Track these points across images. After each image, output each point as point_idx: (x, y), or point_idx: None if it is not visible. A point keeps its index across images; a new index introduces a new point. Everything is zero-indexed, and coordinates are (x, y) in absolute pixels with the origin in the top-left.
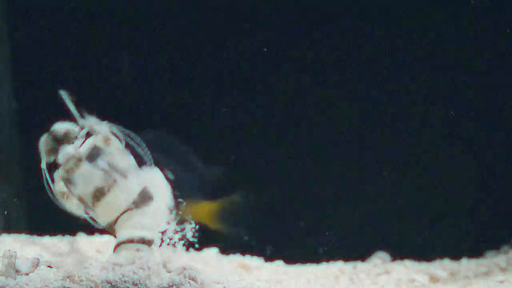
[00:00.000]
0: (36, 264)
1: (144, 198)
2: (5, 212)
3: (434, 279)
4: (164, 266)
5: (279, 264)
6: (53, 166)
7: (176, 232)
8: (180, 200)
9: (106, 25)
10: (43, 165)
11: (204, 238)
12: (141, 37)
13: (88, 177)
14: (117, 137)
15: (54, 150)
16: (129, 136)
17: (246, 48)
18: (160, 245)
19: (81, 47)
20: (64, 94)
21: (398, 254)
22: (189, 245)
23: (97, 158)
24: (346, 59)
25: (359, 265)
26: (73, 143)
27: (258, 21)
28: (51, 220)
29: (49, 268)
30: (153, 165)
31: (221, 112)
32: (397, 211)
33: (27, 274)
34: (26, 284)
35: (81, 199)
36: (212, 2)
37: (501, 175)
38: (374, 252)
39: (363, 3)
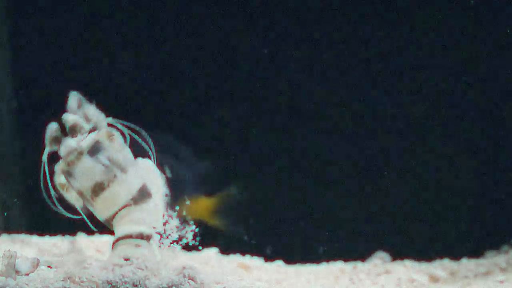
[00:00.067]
0: (36, 264)
1: (143, 194)
2: (5, 214)
3: (434, 279)
4: (164, 265)
5: (279, 264)
6: (55, 157)
7: (175, 231)
8: (179, 198)
9: (106, 25)
10: (45, 154)
11: (204, 238)
12: (141, 37)
13: (89, 171)
14: (121, 132)
15: (58, 140)
16: (134, 131)
17: (241, 47)
18: (160, 246)
19: (81, 47)
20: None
21: (398, 254)
22: (188, 245)
23: (98, 153)
24: (346, 59)
25: (359, 265)
26: (76, 136)
27: (257, 21)
28: (51, 220)
29: (49, 268)
30: (154, 160)
31: (221, 111)
32: (397, 211)
33: (27, 274)
34: (26, 284)
35: (80, 193)
36: (212, 2)
37: (501, 175)
38: (374, 252)
39: (363, 3)
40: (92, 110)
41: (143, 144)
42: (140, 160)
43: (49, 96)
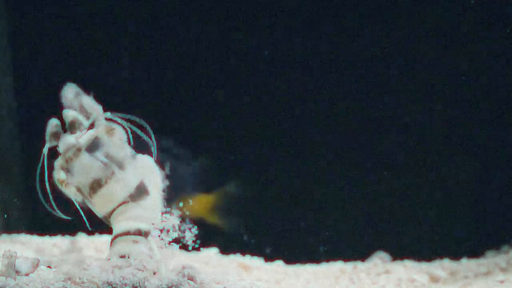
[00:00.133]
0: (36, 264)
1: (140, 191)
2: (5, 216)
3: (434, 279)
4: (163, 264)
5: (279, 264)
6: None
7: (175, 230)
8: (177, 196)
9: (106, 24)
10: (45, 149)
11: (204, 238)
12: (141, 37)
13: (86, 168)
14: (122, 126)
15: (57, 135)
16: (136, 124)
17: (237, 46)
18: (160, 246)
19: (81, 46)
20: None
21: (398, 254)
22: (188, 245)
23: (97, 150)
24: (346, 59)
25: (359, 265)
26: (75, 132)
27: (256, 22)
28: (51, 220)
29: (48, 268)
30: (155, 151)
31: (221, 109)
32: (397, 211)
33: (27, 274)
34: (26, 285)
35: (78, 189)
36: (212, 2)
37: (501, 175)
38: (374, 252)
39: (363, 3)
40: (88, 101)
41: (145, 136)
42: (139, 156)
43: (49, 96)
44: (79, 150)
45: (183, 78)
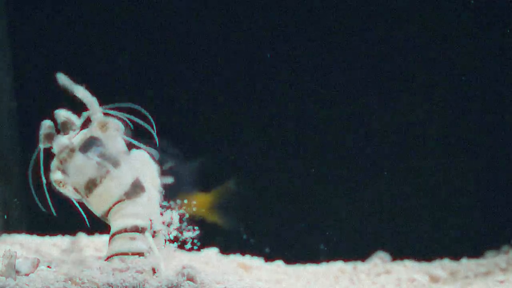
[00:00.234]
0: (36, 264)
1: (136, 188)
2: (5, 217)
3: (434, 279)
4: (162, 262)
5: (279, 264)
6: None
7: (174, 230)
8: (176, 195)
9: (106, 24)
10: (41, 149)
11: (204, 238)
12: (141, 37)
13: (81, 168)
14: (117, 118)
15: (51, 137)
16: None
17: (237, 45)
18: (160, 247)
19: (81, 46)
20: (63, 78)
21: (398, 254)
22: (188, 245)
23: (90, 149)
24: (346, 59)
25: (359, 265)
26: (68, 133)
27: (256, 22)
28: (51, 220)
29: (48, 268)
30: (156, 140)
31: (222, 108)
32: (397, 211)
33: (27, 274)
34: (27, 285)
35: (75, 189)
36: (212, 2)
37: (501, 175)
38: (374, 252)
39: (364, 3)
40: (81, 91)
41: (145, 125)
42: (134, 151)
43: (49, 96)
44: (72, 150)
45: (183, 77)
